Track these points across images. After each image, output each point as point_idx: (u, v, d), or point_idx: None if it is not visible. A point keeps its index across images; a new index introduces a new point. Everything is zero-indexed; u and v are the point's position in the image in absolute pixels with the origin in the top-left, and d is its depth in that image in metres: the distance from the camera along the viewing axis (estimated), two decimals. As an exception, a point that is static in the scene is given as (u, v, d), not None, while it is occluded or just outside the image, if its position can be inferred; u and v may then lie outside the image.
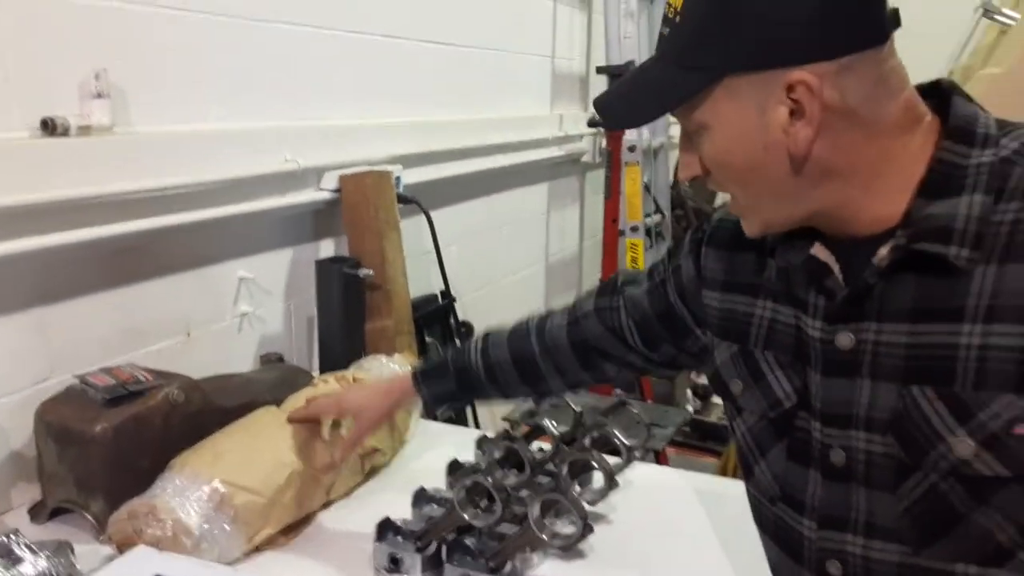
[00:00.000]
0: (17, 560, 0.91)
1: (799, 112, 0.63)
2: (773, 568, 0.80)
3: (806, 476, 0.72)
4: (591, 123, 2.58)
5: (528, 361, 1.03)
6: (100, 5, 1.23)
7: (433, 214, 2.02)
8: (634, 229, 2.74)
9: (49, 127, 1.15)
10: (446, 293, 2.11)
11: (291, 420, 1.19)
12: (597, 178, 2.90)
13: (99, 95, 1.21)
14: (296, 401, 1.25)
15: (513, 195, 2.70)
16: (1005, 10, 2.32)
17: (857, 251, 0.68)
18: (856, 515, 0.69)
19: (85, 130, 1.19)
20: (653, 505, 1.23)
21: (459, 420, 1.99)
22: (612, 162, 2.61)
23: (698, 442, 2.37)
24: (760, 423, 0.76)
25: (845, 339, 0.68)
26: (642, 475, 1.34)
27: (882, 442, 0.67)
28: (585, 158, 3.06)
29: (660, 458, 1.97)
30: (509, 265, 2.72)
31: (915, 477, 0.66)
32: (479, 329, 2.27)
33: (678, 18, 0.66)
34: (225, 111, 1.48)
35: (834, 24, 0.61)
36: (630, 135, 2.79)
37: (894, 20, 0.64)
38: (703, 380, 2.56)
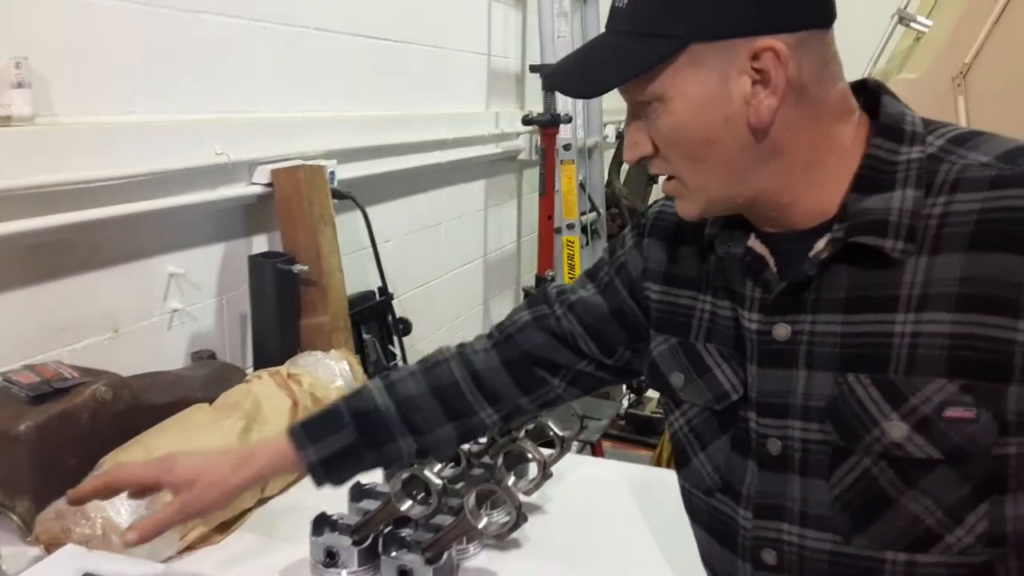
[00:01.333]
0: (-65, 563, 0.88)
1: (763, 81, 0.64)
2: (706, 559, 0.81)
3: (745, 467, 0.74)
4: (526, 120, 2.61)
5: (451, 389, 0.89)
6: (20, -10, 1.20)
7: (370, 210, 2.01)
8: (570, 227, 2.78)
9: (-34, 116, 1.11)
10: (383, 290, 2.11)
11: (72, 501, 0.87)
12: (534, 176, 2.92)
13: (20, 84, 1.17)
14: (233, 397, 1.24)
15: (451, 192, 2.70)
16: (919, 17, 2.44)
17: (791, 245, 0.70)
18: (792, 504, 0.71)
19: (5, 120, 1.16)
20: (588, 496, 1.27)
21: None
22: (546, 159, 2.64)
23: (632, 435, 2.42)
24: (702, 415, 0.77)
25: (782, 330, 0.70)
26: (577, 466, 1.37)
27: (820, 429, 0.69)
28: (522, 156, 3.08)
29: (595, 450, 2.02)
30: (447, 262, 2.72)
31: (849, 462, 0.68)
32: (417, 326, 2.31)
33: None
34: (154, 102, 1.45)
35: None
36: (564, 133, 2.83)
37: (834, 11, 0.68)
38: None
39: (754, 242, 0.73)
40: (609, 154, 3.52)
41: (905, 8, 2.47)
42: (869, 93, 0.72)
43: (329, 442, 0.86)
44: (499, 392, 0.90)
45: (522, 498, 1.02)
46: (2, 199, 1.16)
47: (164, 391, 1.29)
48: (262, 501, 1.21)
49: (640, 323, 0.85)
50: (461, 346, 0.94)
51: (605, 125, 3.47)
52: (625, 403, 2.64)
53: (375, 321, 2.09)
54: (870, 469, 0.67)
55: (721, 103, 0.66)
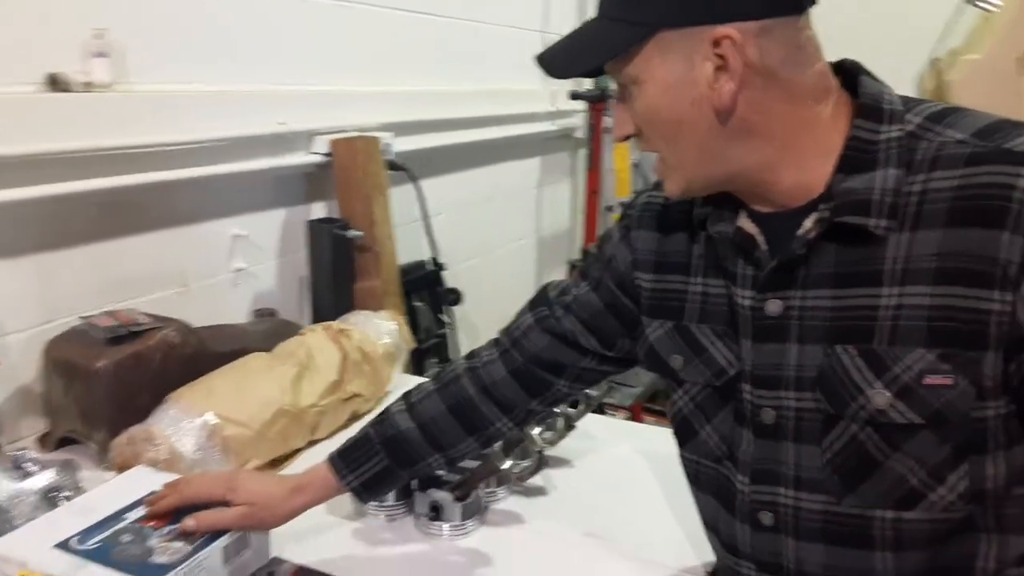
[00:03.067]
0: (27, 474, 1.00)
1: (724, 67, 0.68)
2: (709, 522, 0.86)
3: (741, 435, 0.78)
4: (574, 95, 2.65)
5: (467, 406, 0.94)
6: (103, -33, 1.31)
7: (425, 183, 2.09)
8: (622, 205, 2.81)
9: (53, 82, 1.23)
10: (435, 260, 2.19)
11: (153, 514, 0.91)
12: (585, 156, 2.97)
13: (100, 54, 1.28)
14: (289, 347, 1.34)
15: (505, 168, 2.76)
16: (990, -4, 2.38)
17: (780, 223, 0.73)
18: (786, 470, 0.75)
19: (87, 86, 1.27)
20: (616, 455, 1.32)
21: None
22: (593, 135, 2.68)
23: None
24: (704, 392, 0.81)
25: (774, 306, 0.74)
26: (611, 429, 1.44)
27: (812, 398, 0.72)
28: (577, 134, 3.12)
29: (635, 417, 2.07)
30: (500, 236, 2.79)
31: (838, 428, 0.71)
32: (468, 297, 2.39)
33: None
34: (221, 73, 1.55)
35: None
36: (619, 111, 2.86)
37: None
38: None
39: (744, 221, 0.76)
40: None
41: (976, -12, 2.41)
42: (847, 73, 0.74)
43: (365, 469, 0.94)
44: (510, 402, 0.95)
45: (546, 447, 1.09)
46: (82, 159, 1.27)
47: (227, 341, 1.40)
48: (312, 442, 1.30)
49: (632, 313, 0.89)
50: (471, 358, 0.98)
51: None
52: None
53: (426, 290, 2.19)
54: (857, 435, 0.71)
55: (687, 87, 0.70)
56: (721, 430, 0.80)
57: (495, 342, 0.98)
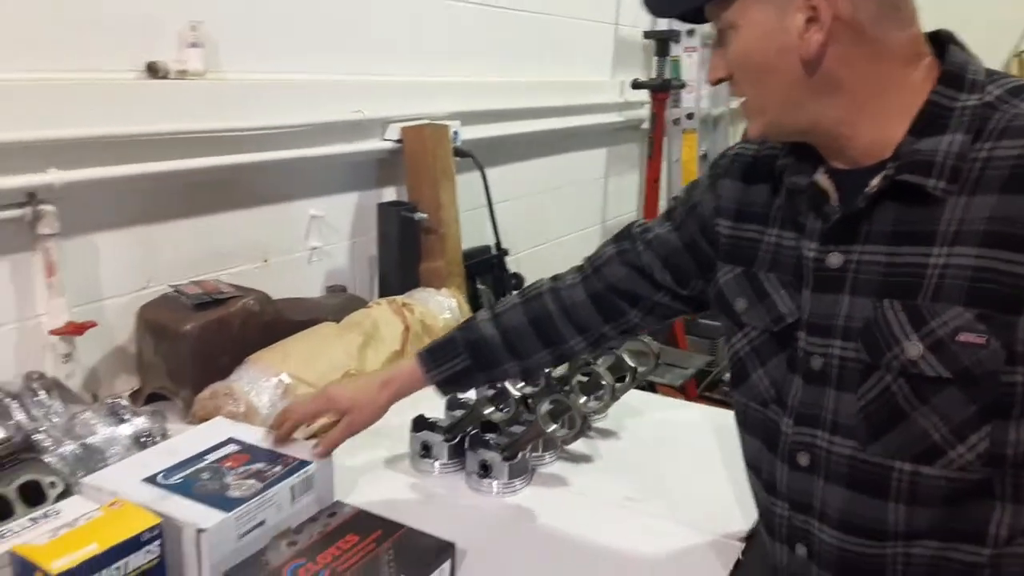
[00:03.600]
0: (121, 420, 1.12)
1: (815, 18, 0.71)
2: (752, 463, 0.90)
3: (792, 381, 0.82)
4: (635, 84, 2.68)
5: (546, 321, 1.02)
6: (199, -33, 1.43)
7: (492, 171, 2.17)
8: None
9: (152, 70, 1.35)
10: (498, 245, 2.27)
11: (284, 423, 1.05)
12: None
13: (194, 44, 1.40)
14: (356, 318, 1.44)
15: (572, 157, 2.82)
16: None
17: (854, 181, 0.76)
18: (826, 414, 0.78)
19: (182, 74, 1.39)
20: (664, 428, 1.37)
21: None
22: (655, 123, 2.70)
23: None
24: (762, 336, 0.85)
25: (835, 259, 0.77)
26: (660, 404, 1.49)
27: (853, 348, 0.76)
28: (645, 125, 3.15)
29: (688, 397, 2.09)
30: (565, 225, 2.84)
31: (874, 378, 0.75)
32: (530, 282, 2.45)
33: None
34: (304, 64, 1.66)
35: None
36: (687, 102, 2.87)
37: None
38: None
39: (820, 176, 0.80)
40: (739, 127, 3.50)
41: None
42: (941, 43, 0.77)
43: (449, 366, 1.04)
44: (585, 323, 1.02)
45: (591, 414, 1.15)
46: (177, 141, 1.39)
47: (301, 311, 1.51)
48: (375, 407, 1.40)
49: (710, 256, 0.94)
50: (555, 279, 1.06)
51: (732, 97, 3.44)
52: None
53: (490, 274, 2.26)
54: (890, 385, 0.74)
55: (778, 34, 0.73)
56: (773, 375, 0.84)
57: (578, 268, 1.05)
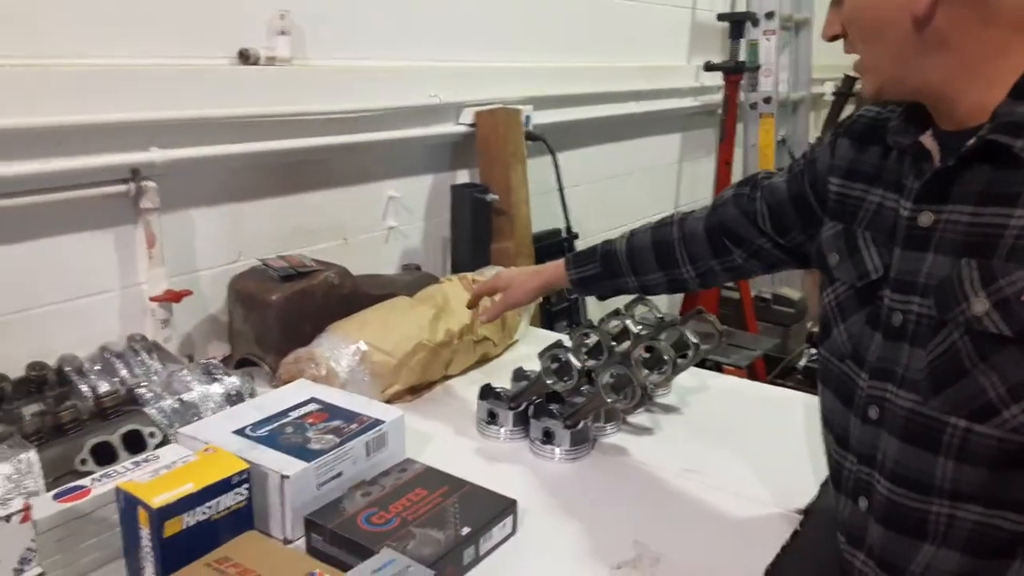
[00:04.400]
0: (215, 379, 1.21)
1: None
2: (827, 417, 0.93)
3: (872, 336, 0.84)
4: (708, 67, 2.66)
5: (666, 245, 1.15)
6: (287, -41, 1.51)
7: (564, 155, 2.20)
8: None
9: (244, 56, 1.44)
10: (568, 228, 2.31)
11: (474, 296, 1.36)
12: (736, 131, 2.95)
13: (282, 32, 1.49)
14: (429, 292, 1.51)
15: (646, 142, 2.83)
16: None
17: (958, 142, 0.76)
18: (899, 369, 0.81)
19: (271, 60, 1.48)
20: (726, 407, 1.39)
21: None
22: (728, 106, 2.67)
23: (806, 387, 2.44)
24: (848, 291, 0.88)
25: (926, 218, 0.78)
26: (724, 382, 1.50)
27: (927, 304, 0.78)
28: (720, 110, 3.12)
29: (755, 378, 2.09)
30: (638, 209, 2.84)
31: (942, 334, 0.76)
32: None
33: None
34: (382, 51, 1.74)
35: None
36: (765, 86, 2.84)
37: None
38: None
39: (926, 137, 0.81)
40: (821, 114, 3.43)
41: None
42: None
43: (584, 269, 1.22)
44: (697, 254, 1.14)
45: (651, 389, 1.18)
46: (265, 123, 1.49)
47: (378, 286, 1.59)
48: (446, 377, 1.46)
49: (815, 211, 0.98)
50: (686, 213, 1.17)
51: (823, 82, 3.36)
52: (803, 360, 2.65)
53: (560, 255, 2.30)
54: (956, 341, 0.75)
55: None
56: (851, 330, 0.87)
57: (708, 205, 1.16)
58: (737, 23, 2.59)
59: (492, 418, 1.25)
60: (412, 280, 1.71)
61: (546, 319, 2.09)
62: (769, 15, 2.83)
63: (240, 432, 1.05)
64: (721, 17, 2.76)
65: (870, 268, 0.85)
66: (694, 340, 1.23)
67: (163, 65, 1.34)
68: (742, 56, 2.72)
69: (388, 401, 1.34)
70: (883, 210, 0.86)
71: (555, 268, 1.27)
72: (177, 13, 1.36)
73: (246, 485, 0.91)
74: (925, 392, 0.78)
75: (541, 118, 2.12)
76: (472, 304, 1.38)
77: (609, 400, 1.15)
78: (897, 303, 0.82)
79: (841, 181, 0.93)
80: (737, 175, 2.95)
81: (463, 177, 2.04)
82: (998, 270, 0.72)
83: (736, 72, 2.62)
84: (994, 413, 0.74)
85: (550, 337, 1.66)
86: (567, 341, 1.30)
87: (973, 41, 0.74)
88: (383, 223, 1.86)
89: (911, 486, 0.80)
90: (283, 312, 1.40)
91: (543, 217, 2.19)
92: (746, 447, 1.23)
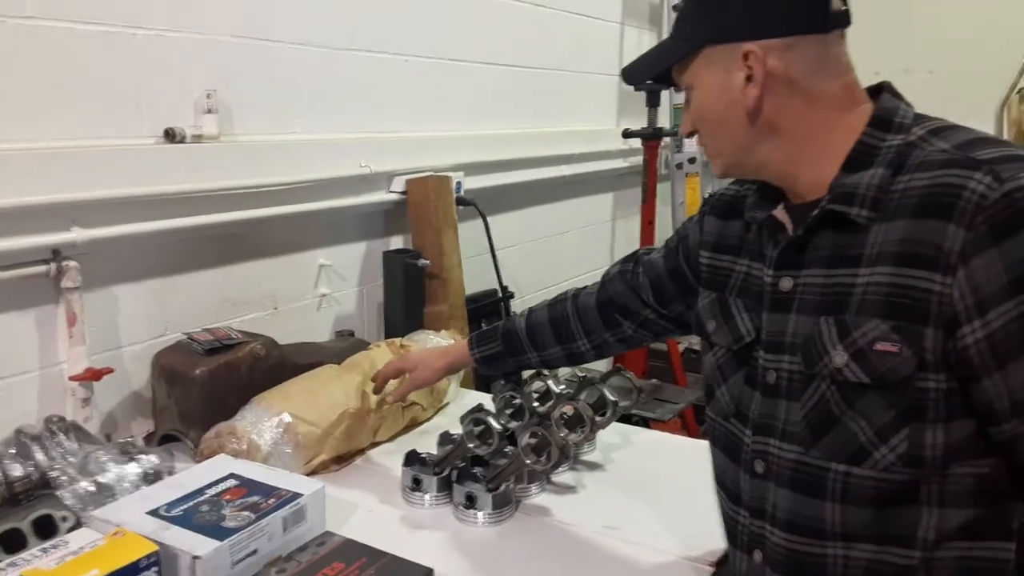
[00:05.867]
0: (132, 459, 1.20)
1: (751, 76, 0.83)
2: (718, 475, 0.98)
3: (752, 395, 0.91)
4: (626, 134, 2.77)
5: (562, 320, 1.23)
6: (211, 38, 1.55)
7: (499, 217, 2.25)
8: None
9: (169, 135, 1.47)
10: (503, 288, 2.35)
11: (376, 380, 1.40)
12: (664, 190, 3.06)
13: (209, 110, 1.52)
14: (356, 359, 1.52)
15: (578, 203, 2.90)
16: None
17: (805, 213, 0.86)
18: (778, 423, 0.87)
19: (197, 138, 1.51)
20: (648, 463, 1.42)
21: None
22: (648, 170, 2.78)
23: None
24: (726, 355, 0.95)
25: (786, 283, 0.87)
26: (647, 438, 1.54)
27: (796, 361, 0.85)
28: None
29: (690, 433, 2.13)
30: (573, 268, 2.91)
31: (812, 386, 0.83)
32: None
33: (681, 1, 0.89)
34: (311, 124, 1.78)
35: (778, 10, 0.82)
36: (689, 147, 2.95)
37: (845, 19, 0.84)
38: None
39: (779, 211, 0.90)
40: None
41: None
42: (881, 91, 0.87)
43: (487, 348, 1.29)
44: (591, 328, 1.22)
45: (571, 448, 1.20)
46: (194, 199, 1.51)
47: (306, 355, 1.59)
48: (374, 444, 1.47)
49: (691, 283, 1.07)
50: (579, 289, 1.25)
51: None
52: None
53: (496, 316, 2.34)
54: (824, 392, 0.82)
55: (725, 91, 0.85)
56: (732, 391, 0.93)
57: (598, 282, 1.24)
58: (653, 93, 2.71)
59: (416, 484, 1.26)
60: (343, 347, 1.72)
61: (481, 380, 2.11)
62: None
63: (154, 512, 1.04)
64: (637, 87, 2.88)
65: (743, 332, 0.92)
66: (612, 398, 1.27)
67: (87, 146, 1.36)
68: (662, 122, 2.83)
69: (313, 472, 1.34)
70: (750, 278, 0.94)
71: (460, 348, 1.34)
72: (103, 95, 1.39)
73: (155, 568, 0.91)
74: (805, 442, 0.84)
75: (473, 183, 2.18)
76: (378, 389, 1.41)
77: (529, 461, 1.17)
78: (770, 362, 0.88)
79: (711, 254, 1.01)
80: (664, 232, 3.04)
81: (396, 243, 2.07)
82: (851, 324, 0.80)
83: (654, 138, 2.73)
84: (867, 455, 0.80)
85: (478, 399, 1.69)
86: (490, 404, 1.32)
87: (800, 124, 0.84)
88: (315, 291, 1.88)
89: (805, 532, 0.85)
90: (207, 386, 1.40)
91: (479, 278, 2.23)
92: (663, 501, 1.27)
